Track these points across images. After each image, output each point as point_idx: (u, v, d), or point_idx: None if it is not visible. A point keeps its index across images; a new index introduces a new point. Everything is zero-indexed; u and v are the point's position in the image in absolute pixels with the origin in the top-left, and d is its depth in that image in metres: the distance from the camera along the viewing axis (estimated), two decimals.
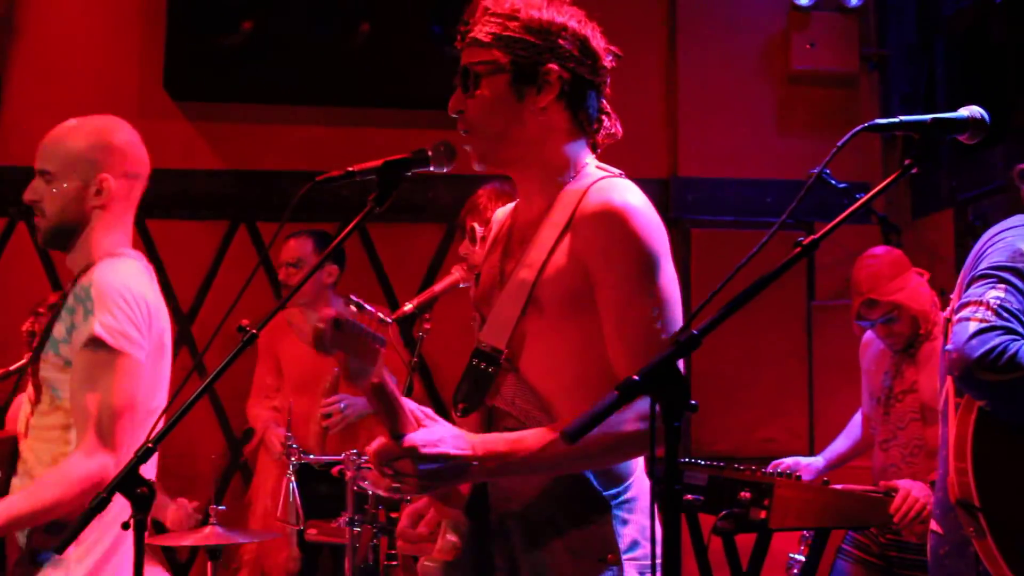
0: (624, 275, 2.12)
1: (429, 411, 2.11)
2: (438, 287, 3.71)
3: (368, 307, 2.01)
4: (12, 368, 4.68)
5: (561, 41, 2.21)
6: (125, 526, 2.19)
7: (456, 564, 2.26)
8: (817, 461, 4.67)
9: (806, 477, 4.48)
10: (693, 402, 1.77)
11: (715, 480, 4.12)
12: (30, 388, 3.00)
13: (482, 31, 2.22)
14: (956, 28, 6.18)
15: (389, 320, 2.03)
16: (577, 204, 2.19)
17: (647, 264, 2.12)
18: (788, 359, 6.35)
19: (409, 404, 2.07)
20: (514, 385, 2.21)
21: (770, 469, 4.37)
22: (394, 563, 3.86)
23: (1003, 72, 5.67)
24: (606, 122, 2.32)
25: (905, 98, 6.55)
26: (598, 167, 2.27)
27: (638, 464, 2.23)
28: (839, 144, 1.97)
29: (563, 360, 2.16)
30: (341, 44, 5.84)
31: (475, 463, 2.05)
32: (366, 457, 4.28)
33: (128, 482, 2.14)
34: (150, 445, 2.15)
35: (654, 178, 6.23)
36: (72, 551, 2.83)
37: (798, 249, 1.87)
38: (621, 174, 2.26)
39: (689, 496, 4.30)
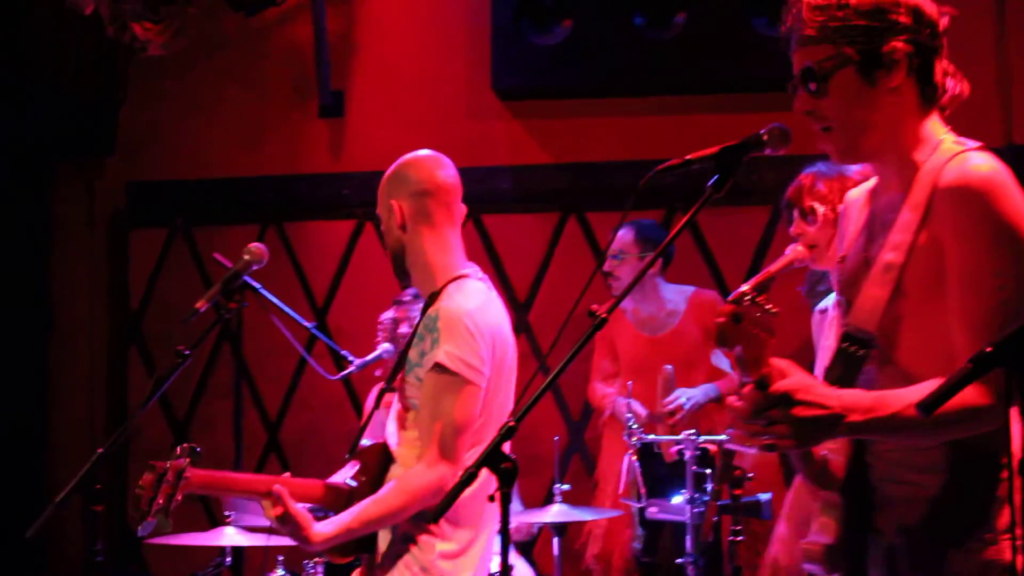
0: (973, 247, 2.06)
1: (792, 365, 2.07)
2: (774, 267, 3.73)
3: (760, 300, 2.00)
4: (369, 358, 5.05)
5: (896, 16, 2.17)
6: (491, 499, 2.36)
7: (836, 546, 2.20)
8: None
9: None
10: None
11: None
12: (398, 403, 3.30)
13: (815, 27, 2.19)
14: None
15: (776, 311, 2.02)
16: (935, 182, 2.14)
17: (1000, 237, 2.06)
18: None
19: (777, 362, 2.04)
20: (887, 371, 2.18)
21: None
22: (739, 538, 3.94)
23: None
24: (950, 84, 2.25)
25: None
26: (955, 141, 2.20)
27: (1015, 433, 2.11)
28: None
29: (933, 343, 2.10)
30: (658, 35, 5.93)
31: (845, 414, 2.00)
32: (705, 437, 4.39)
33: (493, 458, 2.30)
34: (512, 424, 2.29)
35: (989, 148, 5.96)
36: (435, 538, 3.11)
37: None
38: (980, 145, 2.19)
39: None
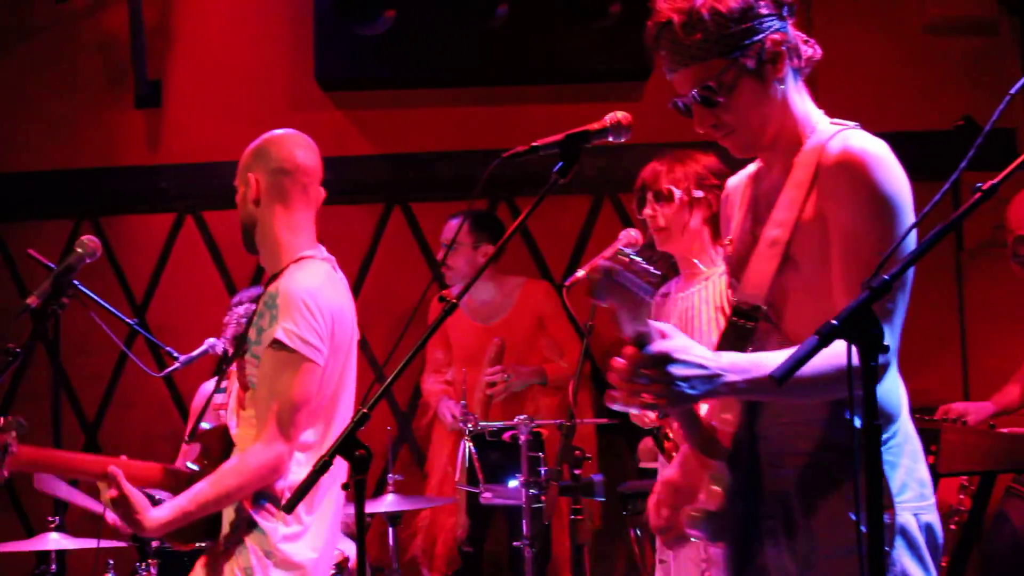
0: (854, 216, 2.15)
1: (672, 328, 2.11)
2: (608, 252, 3.84)
3: (638, 259, 2.02)
4: (194, 353, 4.96)
5: (762, 11, 2.24)
6: (345, 487, 2.38)
7: (721, 514, 2.26)
8: (987, 406, 4.70)
9: (973, 422, 4.53)
10: (886, 343, 1.86)
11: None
12: (237, 384, 3.28)
13: (697, 45, 2.23)
14: None
15: (659, 272, 2.04)
16: (818, 159, 2.23)
17: (880, 208, 2.14)
18: (939, 309, 6.33)
19: (657, 325, 2.08)
20: (773, 339, 2.25)
21: (939, 415, 4.43)
22: (579, 517, 4.02)
23: None
24: (807, 51, 2.34)
25: None
26: (832, 122, 2.31)
27: (904, 408, 2.25)
28: (1013, 91, 2.00)
29: (817, 310, 2.15)
30: (482, 25, 5.99)
31: (723, 374, 2.04)
32: (538, 421, 4.48)
33: (347, 446, 2.31)
34: (365, 411, 2.29)
35: None
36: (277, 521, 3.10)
37: (978, 195, 1.93)
38: (856, 125, 2.29)
39: None
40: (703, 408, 2.39)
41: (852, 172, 2.16)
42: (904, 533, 2.16)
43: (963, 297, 6.24)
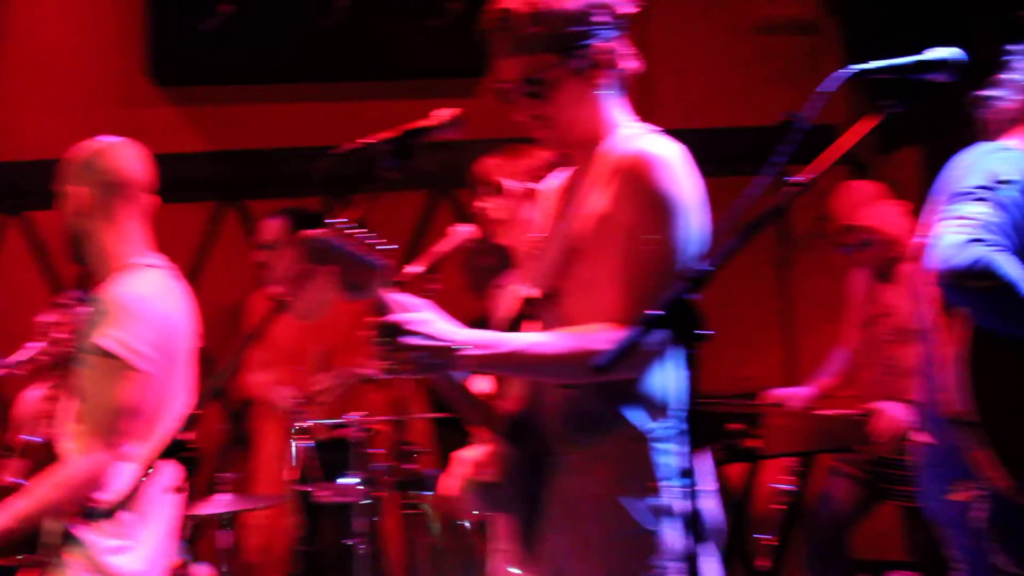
0: (634, 214, 2.26)
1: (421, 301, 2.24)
2: (442, 247, 3.88)
3: (360, 230, 2.14)
4: (15, 358, 4.81)
5: (599, 18, 2.34)
6: (178, 490, 2.37)
7: (497, 486, 2.37)
8: (808, 391, 4.89)
9: (795, 406, 4.71)
10: (710, 332, 1.96)
11: (704, 415, 4.31)
12: (68, 395, 3.21)
13: (532, 37, 2.31)
14: None
15: (387, 246, 2.16)
16: (612, 160, 2.33)
17: (663, 212, 2.26)
18: (762, 298, 6.56)
19: (400, 297, 2.21)
20: (555, 327, 2.34)
21: (762, 401, 4.60)
22: (412, 511, 4.05)
23: (963, 11, 5.85)
24: (630, 65, 2.44)
25: (867, 40, 6.67)
26: (634, 127, 2.41)
27: (678, 399, 2.33)
28: (822, 89, 2.14)
29: (595, 300, 2.28)
30: (322, 20, 5.95)
31: (460, 347, 2.17)
32: (369, 418, 4.48)
33: (175, 448, 2.31)
34: (198, 412, 2.33)
35: None
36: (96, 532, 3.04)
37: (794, 188, 2.04)
38: (656, 130, 2.40)
39: None
40: (484, 384, 2.50)
41: (638, 174, 2.27)
42: (674, 515, 2.29)
43: (786, 286, 6.46)
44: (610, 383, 2.27)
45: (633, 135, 2.37)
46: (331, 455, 4.89)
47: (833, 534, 4.73)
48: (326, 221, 2.19)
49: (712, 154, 6.31)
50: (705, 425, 4.32)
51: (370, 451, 4.32)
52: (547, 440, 2.37)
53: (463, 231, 3.80)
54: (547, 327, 2.37)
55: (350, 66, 6.16)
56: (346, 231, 2.16)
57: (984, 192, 2.61)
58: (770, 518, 4.86)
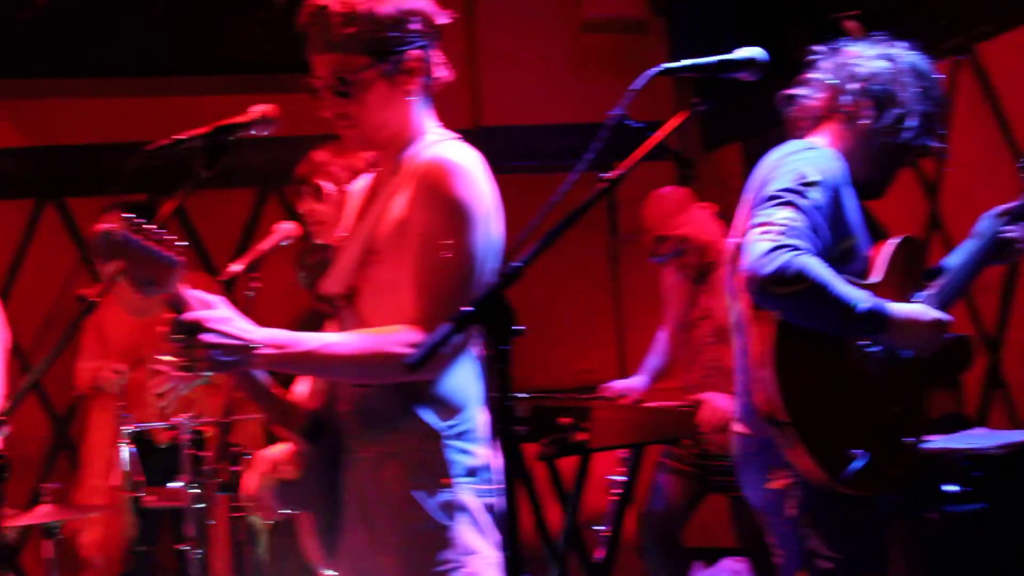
0: (430, 219, 2.30)
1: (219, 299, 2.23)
2: (264, 245, 3.82)
3: (150, 226, 2.11)
4: None
5: (413, 26, 2.37)
6: None
7: (296, 484, 2.40)
8: (642, 381, 4.97)
9: (632, 398, 4.78)
10: (521, 328, 1.97)
11: (537, 410, 4.35)
12: None
13: (346, 36, 2.33)
14: None
15: (180, 242, 2.13)
16: (413, 166, 2.37)
17: (457, 217, 2.29)
18: (595, 293, 6.66)
19: (200, 294, 2.20)
20: (351, 325, 2.37)
21: (600, 394, 4.66)
22: (239, 515, 3.97)
23: (781, 12, 6.04)
24: (442, 73, 2.47)
25: (691, 41, 6.82)
26: (438, 132, 2.45)
27: (474, 398, 2.40)
28: (634, 87, 2.19)
29: (391, 301, 2.31)
30: (146, 11, 5.81)
31: (255, 346, 2.17)
32: (201, 421, 4.39)
33: None
34: (3, 418, 2.25)
35: (460, 128, 6.39)
36: None
37: (604, 185, 2.07)
38: (457, 136, 2.44)
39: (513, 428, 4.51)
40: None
41: (434, 180, 2.31)
42: (467, 511, 2.33)
43: (617, 281, 6.55)
44: (404, 381, 2.30)
45: (435, 141, 2.41)
46: (162, 458, 4.78)
47: (666, 525, 4.82)
48: (120, 216, 2.15)
49: (540, 150, 6.47)
50: (533, 420, 4.36)
51: (200, 454, 4.22)
52: (343, 438, 2.39)
53: (286, 229, 3.74)
54: (344, 327, 2.39)
55: (179, 58, 6.03)
56: (141, 226, 2.13)
57: (791, 195, 2.68)
58: (604, 510, 4.92)
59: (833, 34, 3.00)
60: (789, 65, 3.00)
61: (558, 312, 6.56)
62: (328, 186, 3.74)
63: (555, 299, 6.53)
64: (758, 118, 5.75)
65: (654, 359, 5.01)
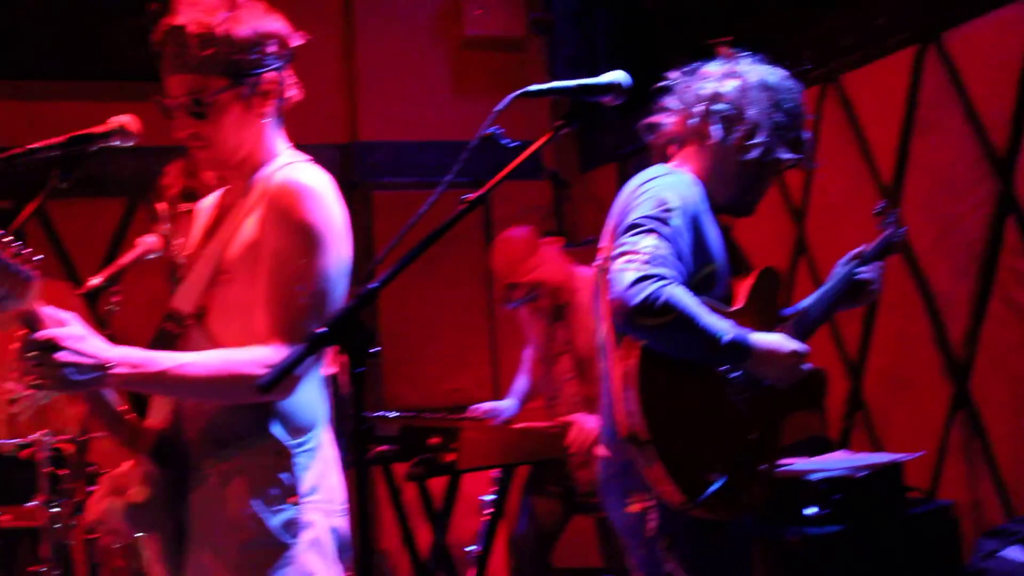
0: (282, 242, 2.28)
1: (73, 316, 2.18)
2: (125, 259, 3.74)
3: (7, 238, 2.05)
4: None
5: (269, 49, 2.35)
6: None
7: (143, 506, 2.34)
8: (511, 404, 4.96)
9: (500, 420, 4.77)
10: (376, 348, 1.94)
11: (407, 430, 4.33)
12: None
13: (201, 58, 2.30)
14: None
15: (37, 256, 2.08)
16: (264, 187, 2.35)
17: (308, 239, 2.28)
18: (470, 312, 6.65)
19: (55, 311, 2.15)
20: (202, 345, 2.33)
21: (469, 414, 4.63)
22: (94, 536, 3.87)
23: (654, 38, 6.13)
24: (294, 94, 2.47)
25: (570, 61, 6.92)
26: (291, 154, 2.44)
27: (322, 417, 2.39)
28: (497, 108, 2.18)
29: (252, 324, 2.28)
30: (9, 15, 5.66)
31: (110, 365, 2.13)
32: (58, 439, 4.26)
33: None
34: None
35: (335, 143, 6.37)
36: None
37: (463, 205, 2.06)
38: (308, 159, 2.43)
39: (383, 447, 4.49)
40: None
41: (285, 202, 2.30)
42: (310, 531, 2.32)
43: (492, 300, 6.55)
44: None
45: (287, 163, 2.39)
46: (19, 476, 4.64)
47: (537, 546, 4.82)
48: None
49: (418, 167, 6.45)
50: (403, 440, 4.34)
51: (58, 472, 4.10)
52: (191, 456, 2.35)
53: (149, 242, 3.66)
54: (192, 346, 2.35)
55: (43, 63, 5.88)
56: (4, 245, 2.05)
57: (653, 223, 2.69)
58: (475, 530, 4.91)
59: (707, 59, 3.02)
60: (660, 90, 3.02)
61: (433, 330, 6.54)
62: (181, 201, 3.67)
63: (430, 317, 6.51)
64: (633, 140, 5.84)
65: (522, 380, 5.02)
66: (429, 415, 4.59)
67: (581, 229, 6.51)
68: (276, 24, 2.38)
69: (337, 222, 2.34)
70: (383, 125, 6.57)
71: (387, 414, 4.76)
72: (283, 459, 2.30)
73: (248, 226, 2.34)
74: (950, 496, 4.19)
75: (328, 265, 2.29)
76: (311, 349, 1.90)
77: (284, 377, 1.90)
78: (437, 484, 4.92)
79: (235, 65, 2.32)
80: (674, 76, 2.99)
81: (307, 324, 2.17)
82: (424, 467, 4.16)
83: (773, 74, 2.94)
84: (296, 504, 2.30)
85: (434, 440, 4.14)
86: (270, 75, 2.37)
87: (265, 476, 2.30)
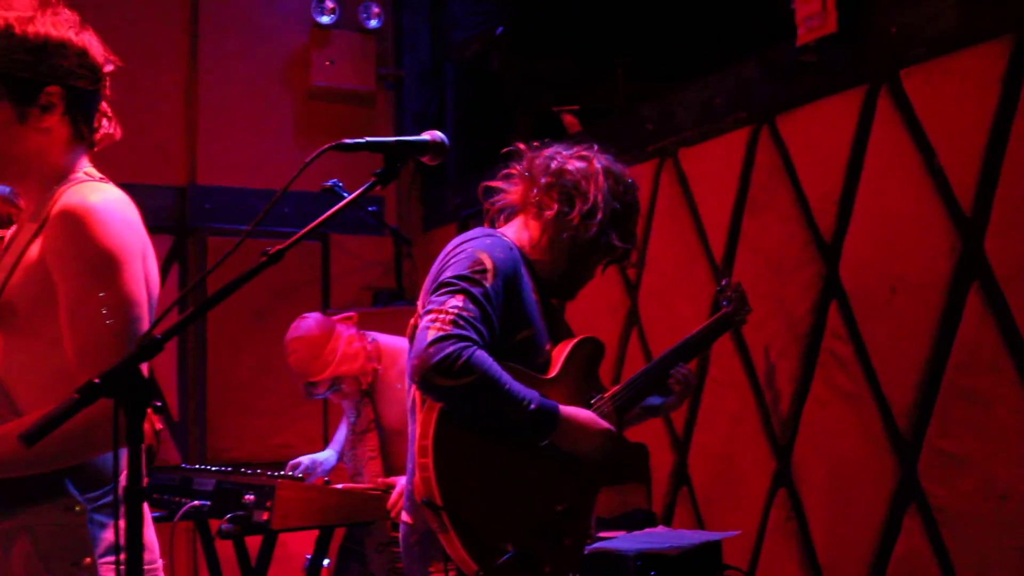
0: (76, 273, 2.10)
1: None
2: None
3: None
4: None
5: (60, 60, 2.19)
6: None
7: None
8: (330, 457, 4.85)
9: (321, 473, 4.65)
10: (158, 403, 1.83)
11: (222, 485, 4.16)
12: None
13: None
14: (464, 55, 6.62)
15: None
16: (52, 208, 2.16)
17: (101, 263, 2.10)
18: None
19: None
20: None
21: (287, 470, 4.51)
22: None
23: (500, 98, 6.15)
24: (105, 124, 2.32)
25: (417, 118, 6.92)
26: (86, 172, 2.27)
27: (117, 470, 2.22)
28: (308, 160, 2.11)
29: (39, 360, 2.13)
30: None
31: None
32: None
33: None
34: None
35: (172, 185, 6.21)
36: None
37: (264, 258, 1.97)
38: (102, 178, 2.26)
39: (197, 502, 4.31)
40: None
41: (69, 226, 2.12)
42: None
43: None
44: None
45: (76, 183, 2.22)
46: None
47: None
48: None
49: (255, 214, 6.31)
50: (217, 496, 4.17)
51: None
52: None
53: None
54: None
55: None
56: None
57: (464, 283, 2.66)
58: None
59: (553, 124, 3.04)
60: (505, 155, 3.04)
61: (263, 384, 6.38)
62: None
63: (261, 370, 6.35)
64: (476, 201, 5.84)
65: (343, 430, 4.92)
66: (247, 471, 4.43)
67: (420, 287, 6.45)
68: (82, 39, 2.22)
69: (130, 242, 2.16)
70: (222, 170, 6.43)
71: (205, 468, 4.60)
72: (72, 515, 2.12)
73: (31, 252, 2.15)
74: (768, 575, 4.21)
75: (121, 292, 2.11)
76: (81, 402, 1.74)
77: (49, 430, 1.76)
78: (256, 542, 4.77)
79: (9, 65, 2.15)
80: (521, 148, 3.00)
81: (117, 355, 2.00)
82: (237, 525, 4.00)
83: (616, 167, 2.99)
84: (91, 569, 2.11)
85: (249, 497, 3.99)
86: (55, 89, 2.19)
87: (55, 534, 2.11)
